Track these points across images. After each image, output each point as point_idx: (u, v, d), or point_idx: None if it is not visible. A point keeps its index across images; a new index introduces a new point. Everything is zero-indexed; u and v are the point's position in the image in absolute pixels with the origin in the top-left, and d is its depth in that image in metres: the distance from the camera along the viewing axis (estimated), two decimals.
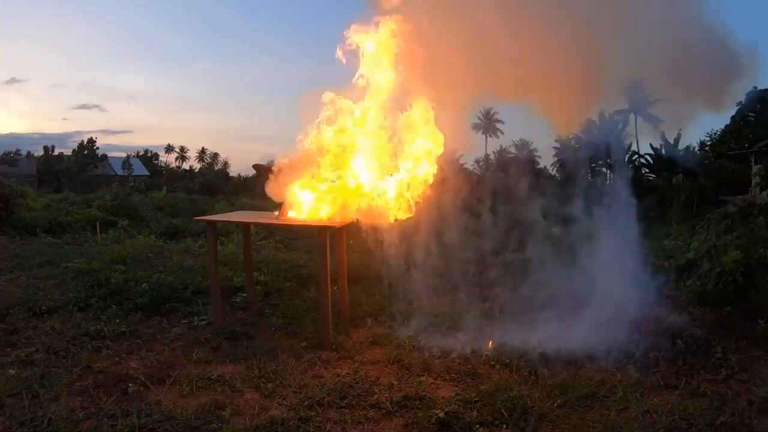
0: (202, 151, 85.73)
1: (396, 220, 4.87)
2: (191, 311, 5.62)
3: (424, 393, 3.80)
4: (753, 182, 22.48)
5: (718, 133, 37.60)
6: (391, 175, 4.96)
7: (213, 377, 4.03)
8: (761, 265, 5.68)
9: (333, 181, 4.96)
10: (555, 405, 3.64)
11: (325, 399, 3.68)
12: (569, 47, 4.60)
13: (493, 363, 4.35)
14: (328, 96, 5.00)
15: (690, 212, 18.80)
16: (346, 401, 3.68)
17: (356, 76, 4.98)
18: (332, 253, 5.51)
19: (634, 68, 5.16)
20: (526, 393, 3.76)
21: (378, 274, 7.06)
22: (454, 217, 5.05)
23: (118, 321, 5.14)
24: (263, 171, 5.28)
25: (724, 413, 3.50)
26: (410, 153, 4.95)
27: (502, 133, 69.46)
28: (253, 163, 5.61)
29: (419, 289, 6.10)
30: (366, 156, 4.96)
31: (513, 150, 60.72)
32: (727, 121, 35.21)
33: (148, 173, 65.50)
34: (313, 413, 3.51)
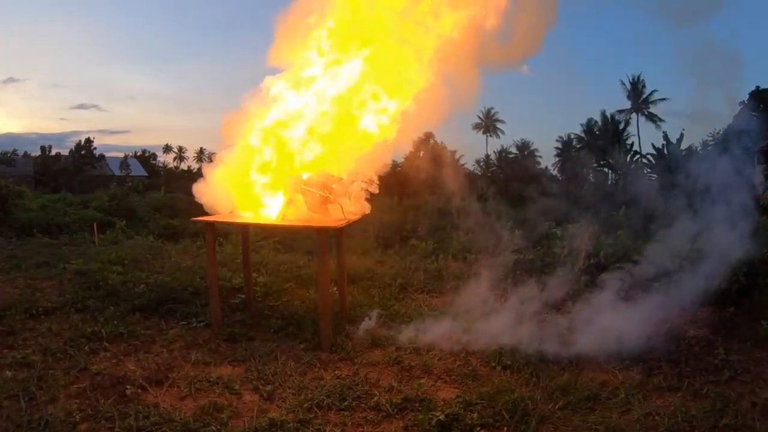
0: (201, 151, 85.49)
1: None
2: (190, 312, 5.58)
3: (424, 395, 3.77)
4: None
5: (720, 132, 37.67)
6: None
7: (212, 379, 4.00)
8: (764, 265, 5.65)
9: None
10: (556, 407, 3.61)
11: (325, 401, 3.65)
12: None
13: (493, 364, 4.32)
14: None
15: None
16: (345, 403, 3.65)
17: None
18: (332, 254, 5.49)
19: None
20: (527, 395, 3.74)
21: (377, 274, 7.04)
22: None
23: (115, 322, 5.09)
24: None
25: (726, 415, 3.47)
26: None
27: (503, 132, 69.46)
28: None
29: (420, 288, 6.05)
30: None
31: (514, 150, 60.67)
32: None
33: (146, 173, 65.44)
34: (312, 415, 3.48)
